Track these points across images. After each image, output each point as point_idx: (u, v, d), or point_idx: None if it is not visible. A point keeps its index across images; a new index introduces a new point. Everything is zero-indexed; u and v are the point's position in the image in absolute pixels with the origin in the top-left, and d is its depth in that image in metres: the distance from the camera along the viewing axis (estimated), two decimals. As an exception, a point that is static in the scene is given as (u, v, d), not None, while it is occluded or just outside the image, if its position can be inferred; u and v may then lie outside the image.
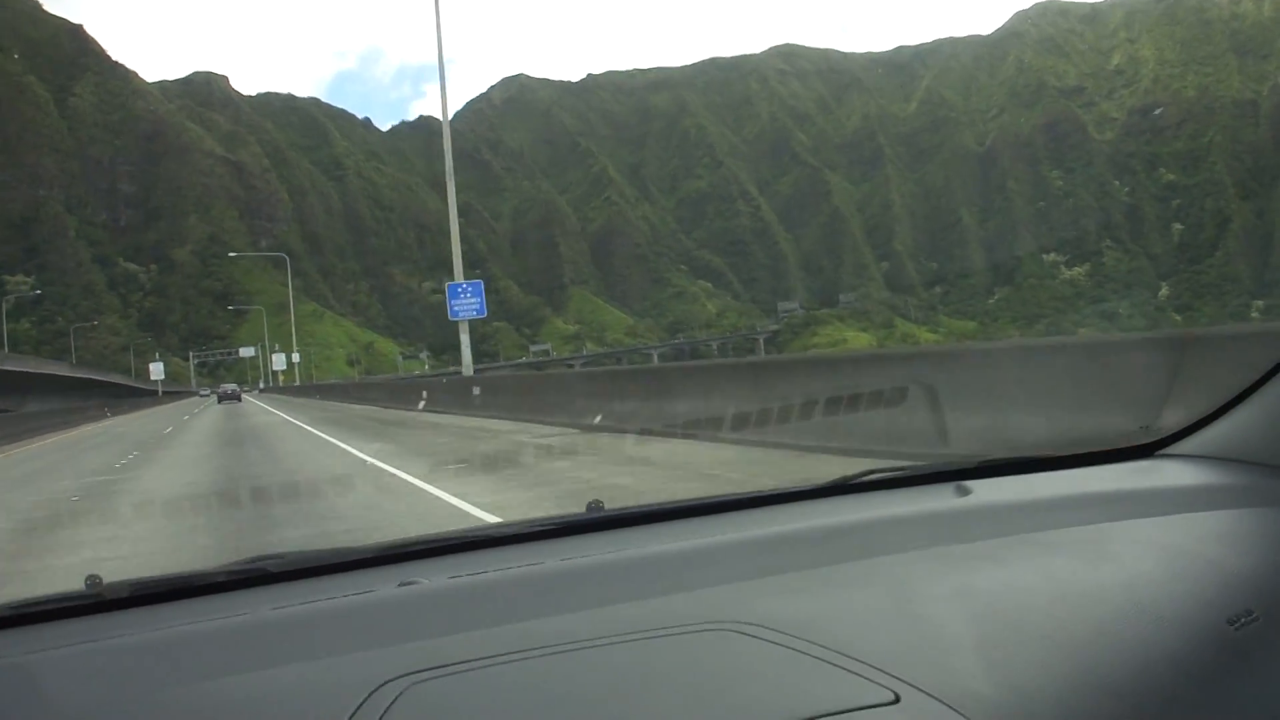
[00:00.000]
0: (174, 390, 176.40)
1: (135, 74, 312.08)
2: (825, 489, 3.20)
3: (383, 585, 2.41)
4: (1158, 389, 6.66)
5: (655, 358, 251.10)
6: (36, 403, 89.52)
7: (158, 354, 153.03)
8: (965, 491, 3.01)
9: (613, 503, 3.02)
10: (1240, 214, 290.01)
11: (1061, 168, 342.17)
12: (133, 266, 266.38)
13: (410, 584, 2.38)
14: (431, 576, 2.45)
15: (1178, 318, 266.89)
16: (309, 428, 32.93)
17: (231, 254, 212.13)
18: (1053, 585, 2.28)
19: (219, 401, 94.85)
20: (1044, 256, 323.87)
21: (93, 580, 2.55)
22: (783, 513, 3.01)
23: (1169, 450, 3.25)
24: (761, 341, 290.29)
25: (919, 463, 3.43)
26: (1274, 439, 2.91)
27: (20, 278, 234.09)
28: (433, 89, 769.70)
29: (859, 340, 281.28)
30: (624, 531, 2.86)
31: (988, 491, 2.99)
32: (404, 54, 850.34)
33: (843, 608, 2.20)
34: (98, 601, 2.40)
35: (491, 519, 10.15)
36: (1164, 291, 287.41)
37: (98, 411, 73.29)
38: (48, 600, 2.35)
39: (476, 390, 33.38)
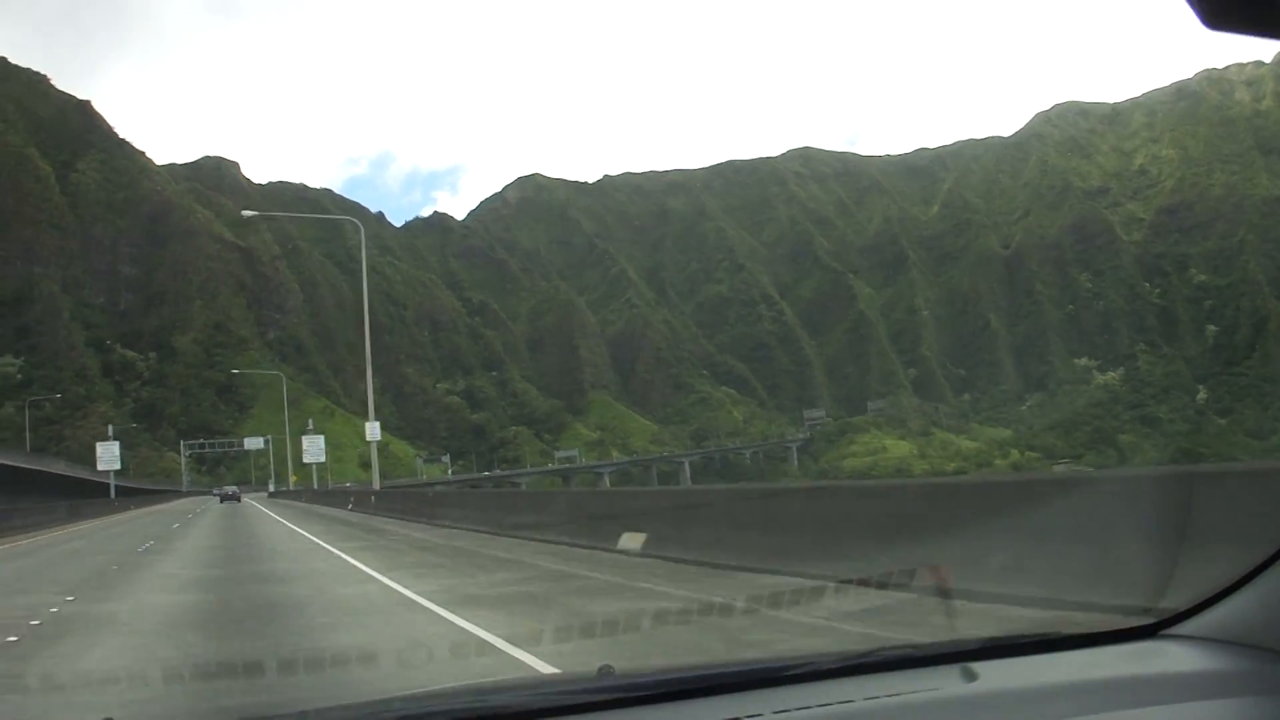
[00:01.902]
0: (158, 490, 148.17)
1: (142, 153, 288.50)
2: (835, 669, 3.13)
3: None
4: (1165, 549, 6.69)
5: (687, 467, 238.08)
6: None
7: (110, 429, 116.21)
8: (972, 675, 2.97)
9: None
10: (1277, 313, 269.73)
11: (1090, 270, 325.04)
12: (130, 353, 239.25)
13: None
14: None
15: (1221, 421, 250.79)
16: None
17: (237, 354, 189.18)
18: None
19: (221, 502, 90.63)
20: (1076, 361, 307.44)
21: None
22: (793, 693, 2.94)
23: (1172, 631, 3.22)
24: (794, 450, 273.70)
25: (925, 641, 3.40)
26: (1276, 624, 2.90)
27: (8, 359, 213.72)
28: (444, 195, 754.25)
29: (899, 449, 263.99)
30: (638, 710, 2.84)
31: (994, 677, 2.96)
32: (415, 158, 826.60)
33: None
34: None
35: None
36: (1202, 395, 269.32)
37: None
38: None
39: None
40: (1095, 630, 3.38)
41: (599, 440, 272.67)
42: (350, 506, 53.30)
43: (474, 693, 3.25)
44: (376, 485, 52.94)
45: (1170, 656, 3.07)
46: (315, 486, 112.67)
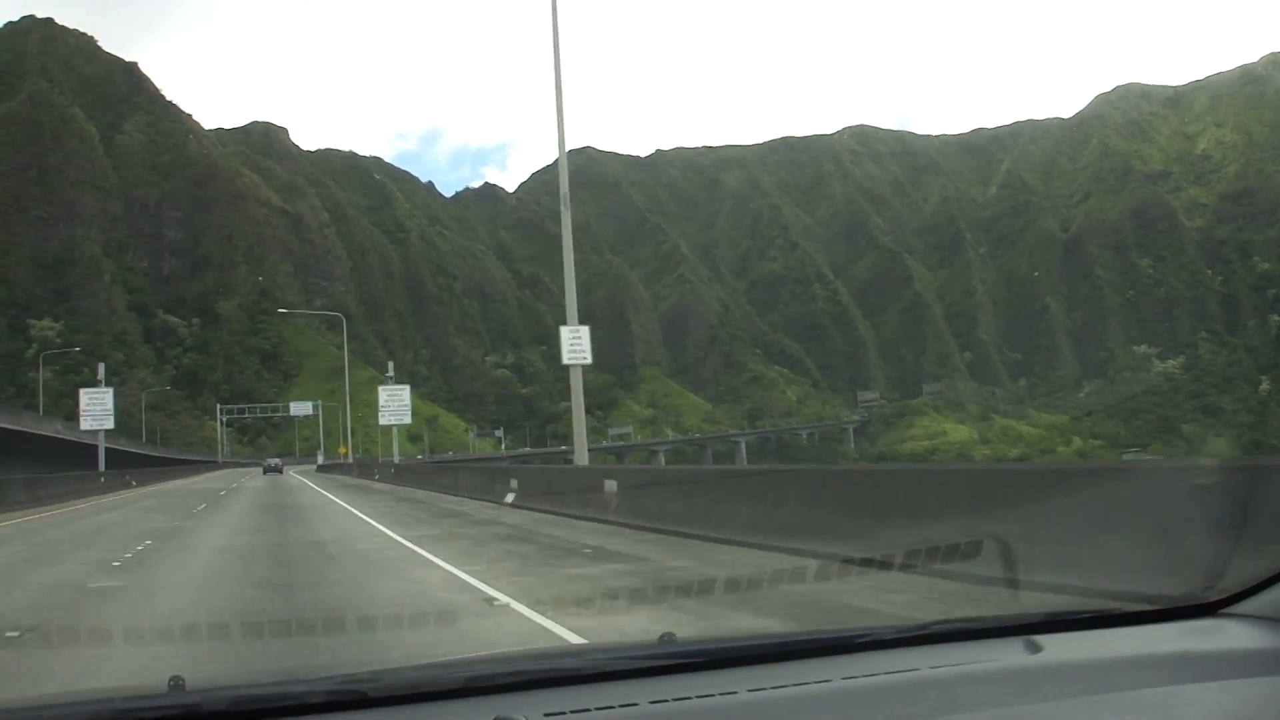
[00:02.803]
0: (186, 460, 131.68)
1: (189, 116, 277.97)
2: (897, 639, 3.17)
3: (478, 718, 2.39)
4: (1225, 530, 6.79)
5: (743, 447, 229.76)
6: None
7: (101, 369, 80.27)
8: (1035, 648, 3.01)
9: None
10: None
11: (1151, 255, 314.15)
12: (173, 319, 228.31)
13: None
14: (526, 712, 2.40)
15: None
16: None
17: (281, 310, 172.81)
18: None
19: (264, 473, 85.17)
20: (1135, 348, 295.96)
21: (177, 682, 2.48)
22: (857, 661, 2.97)
23: (1232, 609, 3.21)
24: (851, 432, 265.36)
25: (988, 614, 3.48)
26: None
27: (47, 322, 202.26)
28: (492, 171, 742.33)
29: (958, 434, 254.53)
30: (705, 674, 2.86)
31: (1057, 649, 2.99)
32: (464, 135, 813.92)
33: None
34: (191, 713, 2.31)
35: None
36: (1264, 386, 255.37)
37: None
38: (134, 705, 2.21)
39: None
40: (1156, 608, 3.39)
41: (652, 418, 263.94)
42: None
43: (543, 656, 3.27)
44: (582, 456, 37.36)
45: (1230, 634, 3.05)
46: (381, 458, 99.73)
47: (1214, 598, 3.28)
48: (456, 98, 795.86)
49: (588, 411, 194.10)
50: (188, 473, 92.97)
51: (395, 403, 72.36)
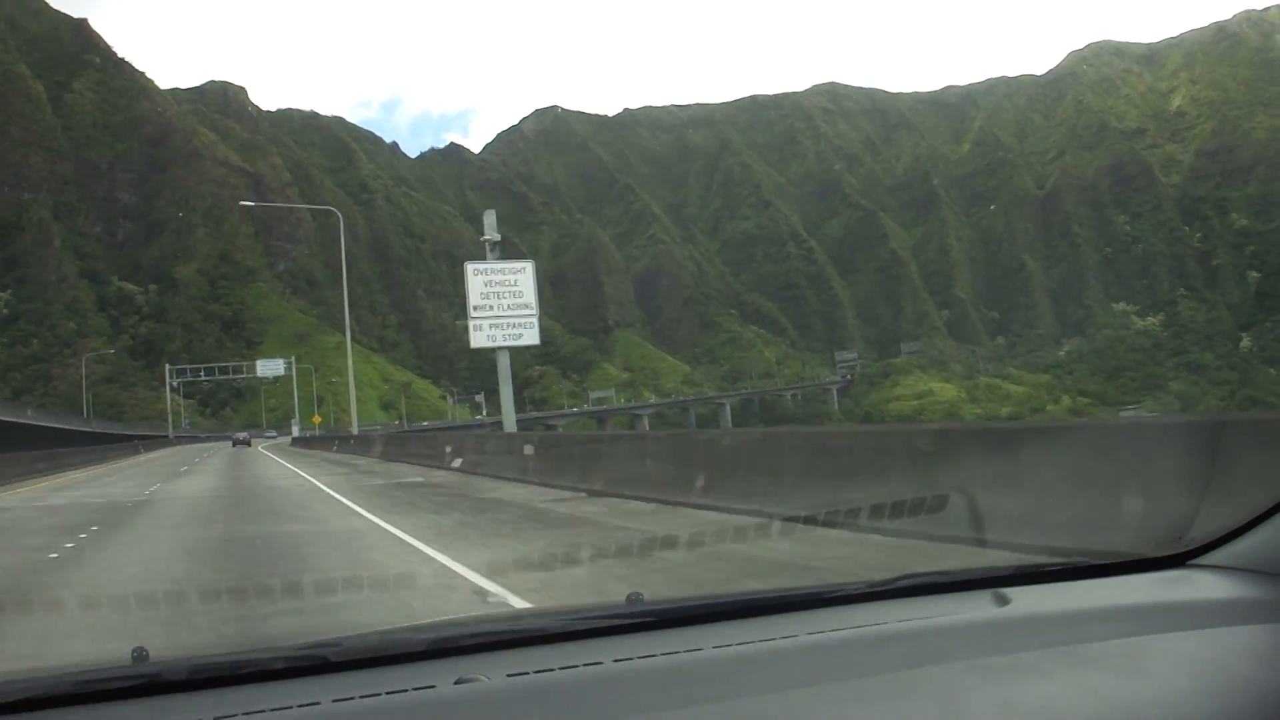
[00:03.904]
0: (124, 435, 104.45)
1: (143, 74, 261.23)
2: (866, 593, 3.15)
3: (441, 680, 2.35)
4: (1192, 486, 6.70)
5: (728, 410, 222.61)
6: None
7: None
8: (1004, 600, 2.99)
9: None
10: None
11: (1128, 212, 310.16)
12: (128, 285, 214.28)
13: (469, 680, 2.32)
14: (489, 673, 2.39)
15: (1273, 371, 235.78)
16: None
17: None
18: (1092, 701, 2.24)
19: (233, 446, 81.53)
20: (1114, 305, 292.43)
21: (140, 653, 2.45)
22: (824, 617, 2.96)
23: (1201, 560, 3.21)
24: (834, 393, 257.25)
25: (956, 568, 3.40)
26: None
27: None
28: (454, 138, 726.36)
29: (946, 392, 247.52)
30: (671, 631, 2.84)
31: (1026, 601, 2.98)
32: (426, 101, 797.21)
33: None
34: (151, 682, 2.29)
35: None
36: (1245, 343, 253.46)
37: None
38: (94, 676, 2.21)
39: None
40: (1124, 559, 3.39)
41: (630, 381, 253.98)
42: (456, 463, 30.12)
43: (507, 618, 3.23)
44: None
45: (1198, 584, 3.07)
46: (394, 424, 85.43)
47: (1182, 549, 3.28)
48: (417, 64, 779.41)
49: (564, 375, 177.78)
50: (121, 453, 70.08)
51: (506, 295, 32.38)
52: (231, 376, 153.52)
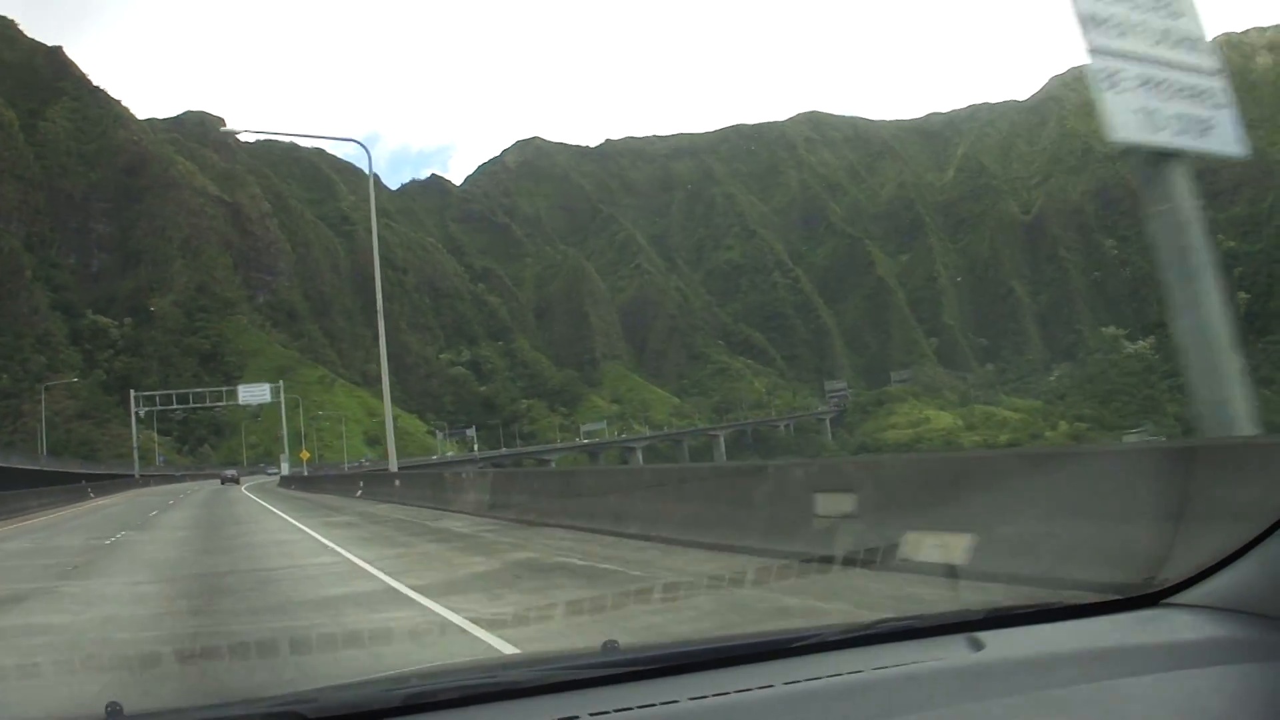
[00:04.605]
0: (78, 474, 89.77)
1: (118, 102, 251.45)
2: (841, 640, 3.11)
3: None
4: (1166, 513, 7.00)
5: (722, 442, 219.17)
6: None
7: None
8: (978, 645, 2.95)
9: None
10: None
11: (1115, 236, 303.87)
12: (102, 319, 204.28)
13: None
14: None
15: (1266, 392, 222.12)
16: None
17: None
18: None
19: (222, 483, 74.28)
20: (1103, 329, 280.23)
21: (114, 708, 2.41)
22: (800, 664, 2.91)
23: (1175, 599, 3.19)
24: (827, 423, 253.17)
25: (931, 612, 3.39)
26: (1276, 591, 2.90)
27: None
28: (436, 171, 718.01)
29: (942, 420, 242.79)
30: (647, 683, 2.80)
31: (999, 646, 2.94)
32: (404, 137, 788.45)
33: None
34: None
35: None
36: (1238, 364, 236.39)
37: None
38: None
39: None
40: (1098, 600, 3.37)
41: (620, 414, 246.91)
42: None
43: (483, 669, 3.21)
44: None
45: (1172, 624, 3.04)
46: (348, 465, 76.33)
47: (1156, 588, 3.26)
48: (395, 100, 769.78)
49: (552, 409, 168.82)
50: (58, 501, 54.41)
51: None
52: (210, 405, 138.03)
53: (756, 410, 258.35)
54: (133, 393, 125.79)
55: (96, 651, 8.91)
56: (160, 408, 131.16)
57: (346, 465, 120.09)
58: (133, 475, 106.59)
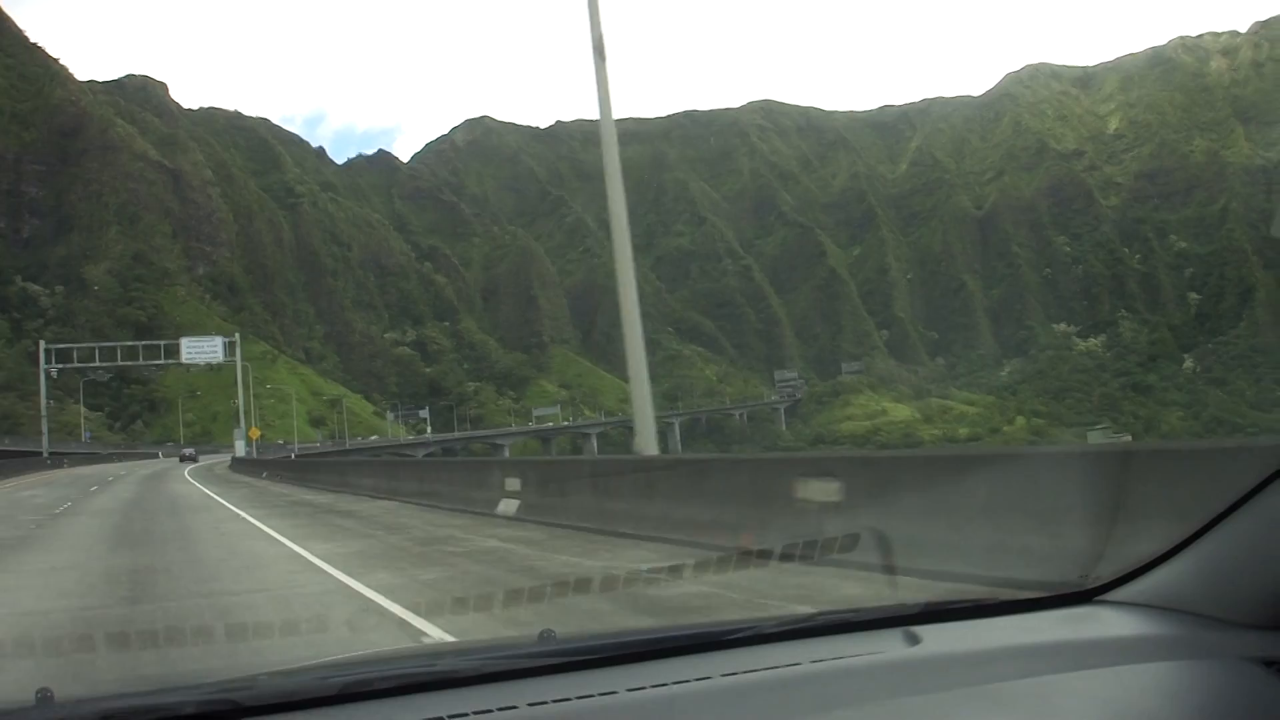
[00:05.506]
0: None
1: (55, 59, 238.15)
2: (779, 632, 3.13)
3: None
4: (1100, 525, 7.00)
5: (677, 429, 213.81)
6: None
7: None
8: (914, 639, 2.97)
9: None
10: (1265, 283, 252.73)
11: (1068, 233, 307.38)
12: (33, 286, 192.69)
13: None
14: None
15: (1220, 393, 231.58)
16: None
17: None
18: None
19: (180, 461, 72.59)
20: (1055, 326, 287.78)
21: (45, 694, 2.38)
22: (737, 656, 2.92)
23: (1108, 597, 3.23)
24: (782, 412, 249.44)
25: (868, 606, 3.41)
26: (1208, 590, 2.89)
27: None
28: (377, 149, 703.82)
29: (899, 413, 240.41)
30: (585, 673, 2.81)
31: (935, 640, 2.96)
32: (350, 116, 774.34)
33: None
34: None
35: None
36: (1188, 364, 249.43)
37: None
38: None
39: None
40: (1033, 596, 3.39)
41: (570, 399, 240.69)
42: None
43: (423, 657, 3.19)
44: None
45: (1105, 621, 3.08)
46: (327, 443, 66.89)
47: (1090, 585, 3.28)
48: (342, 78, 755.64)
49: (500, 392, 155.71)
50: None
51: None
52: (143, 363, 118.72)
53: (708, 398, 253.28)
54: (42, 344, 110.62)
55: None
56: (78, 365, 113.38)
57: (292, 444, 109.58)
58: (39, 454, 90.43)
